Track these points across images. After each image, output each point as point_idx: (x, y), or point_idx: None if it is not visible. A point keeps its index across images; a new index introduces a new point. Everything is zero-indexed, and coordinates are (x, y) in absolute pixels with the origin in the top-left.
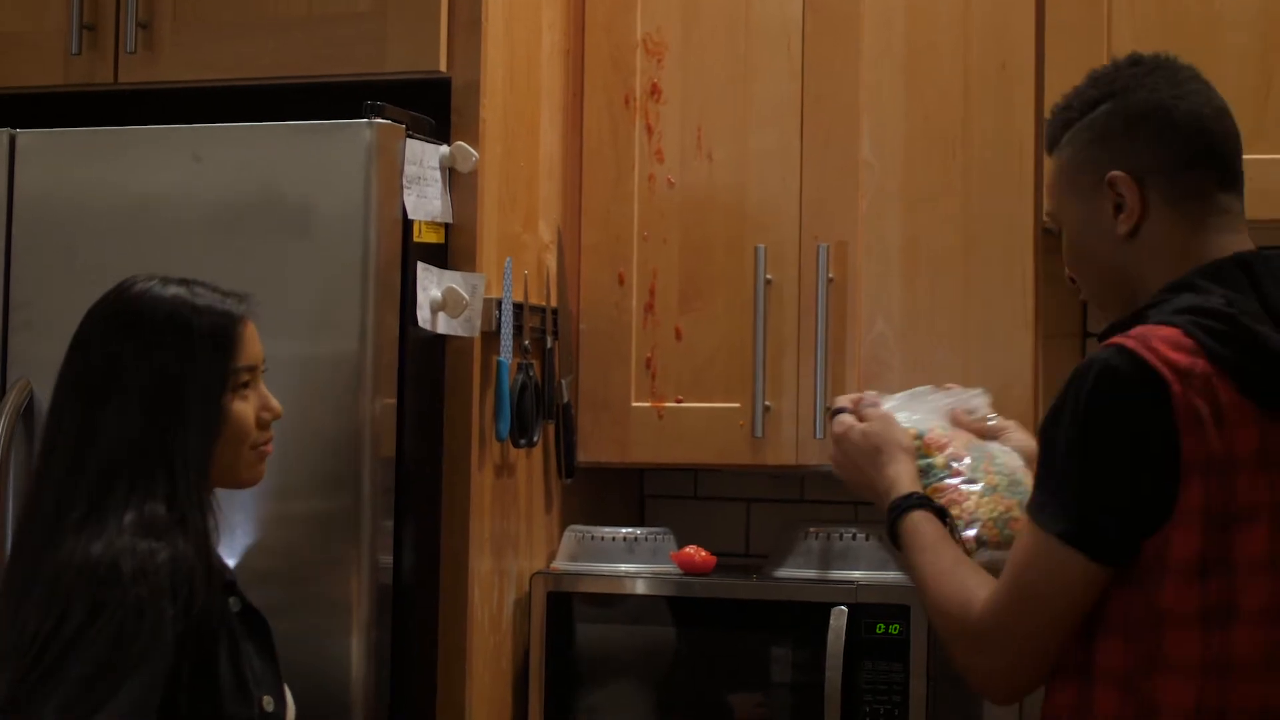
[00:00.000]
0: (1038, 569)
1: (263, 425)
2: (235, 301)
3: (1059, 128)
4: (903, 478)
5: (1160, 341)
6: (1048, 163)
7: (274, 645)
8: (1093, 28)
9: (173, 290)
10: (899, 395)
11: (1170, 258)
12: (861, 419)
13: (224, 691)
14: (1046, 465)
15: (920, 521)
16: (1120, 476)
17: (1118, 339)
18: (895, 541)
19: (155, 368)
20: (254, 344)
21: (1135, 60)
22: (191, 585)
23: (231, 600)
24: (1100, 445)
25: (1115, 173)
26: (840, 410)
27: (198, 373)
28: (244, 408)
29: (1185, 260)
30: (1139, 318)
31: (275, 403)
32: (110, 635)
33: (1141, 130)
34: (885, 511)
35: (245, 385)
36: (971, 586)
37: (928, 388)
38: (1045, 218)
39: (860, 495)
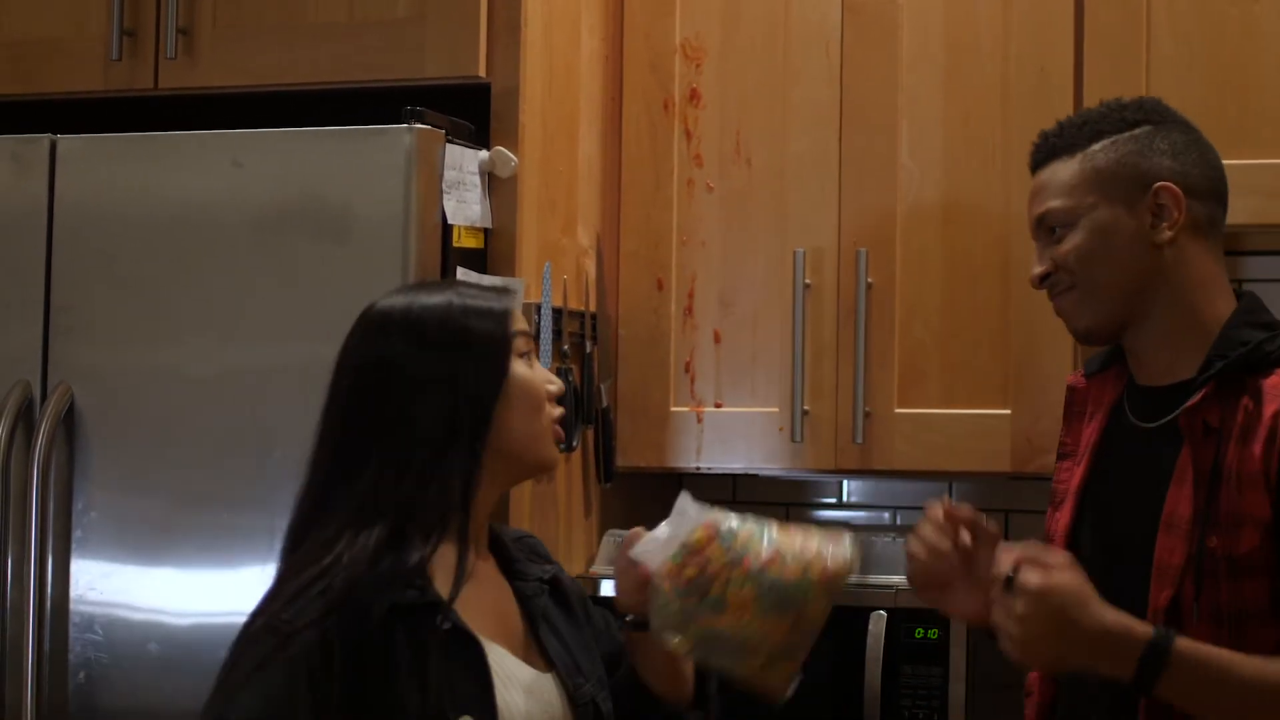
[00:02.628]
0: None
1: (550, 398)
2: (498, 294)
3: (1087, 136)
4: (1125, 618)
5: None
6: (1058, 166)
7: (485, 664)
8: (1132, 33)
9: (441, 294)
10: (662, 526)
11: (1201, 280)
12: (1038, 566)
13: (407, 709)
14: None
15: (1190, 645)
16: None
17: None
18: (1152, 686)
19: (432, 372)
20: (523, 320)
21: (1155, 100)
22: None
23: (439, 619)
24: None
25: (1165, 183)
26: (1010, 576)
27: (486, 332)
28: (529, 372)
29: (1213, 287)
30: (1261, 352)
31: (556, 379)
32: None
33: (1188, 155)
34: (1138, 658)
35: (525, 355)
36: None
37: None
38: (1041, 214)
39: (1061, 660)
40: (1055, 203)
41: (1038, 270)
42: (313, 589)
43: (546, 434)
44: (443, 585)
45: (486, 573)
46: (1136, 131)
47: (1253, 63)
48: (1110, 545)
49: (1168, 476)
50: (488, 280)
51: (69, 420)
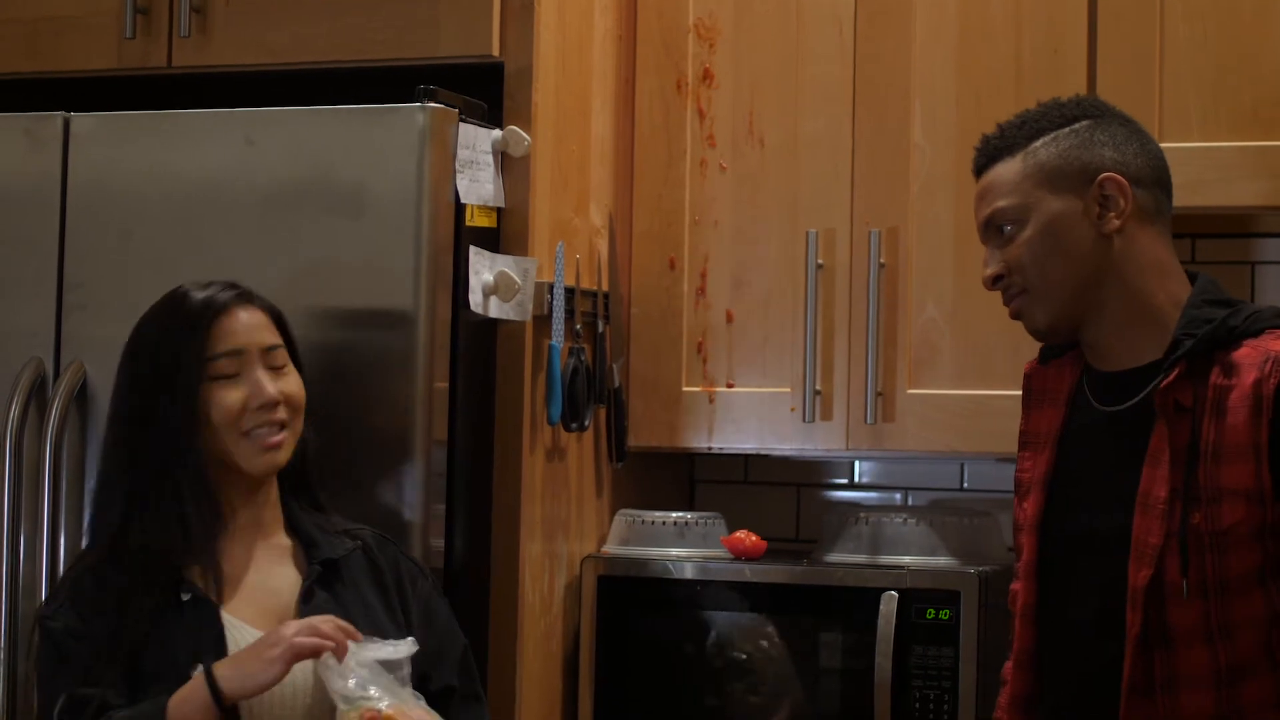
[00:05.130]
0: None
1: (254, 409)
2: (219, 289)
3: (1027, 135)
4: None
5: None
6: (1001, 167)
7: (221, 627)
8: (1145, 14)
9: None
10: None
11: (1152, 265)
12: None
13: (150, 667)
14: None
15: None
16: None
17: None
18: None
19: (148, 362)
20: (239, 332)
21: (1092, 97)
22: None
23: (183, 593)
24: None
25: (1110, 174)
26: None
27: (178, 365)
28: (224, 394)
29: (1165, 272)
30: (1226, 327)
31: (270, 388)
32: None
33: (1129, 146)
34: None
35: (227, 376)
36: None
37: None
38: (989, 215)
39: None
40: (1003, 202)
41: (989, 272)
42: (68, 579)
43: (243, 448)
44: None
45: (269, 556)
46: (1076, 126)
47: (1266, 45)
48: (1082, 532)
49: (1138, 459)
50: (503, 259)
51: (81, 398)
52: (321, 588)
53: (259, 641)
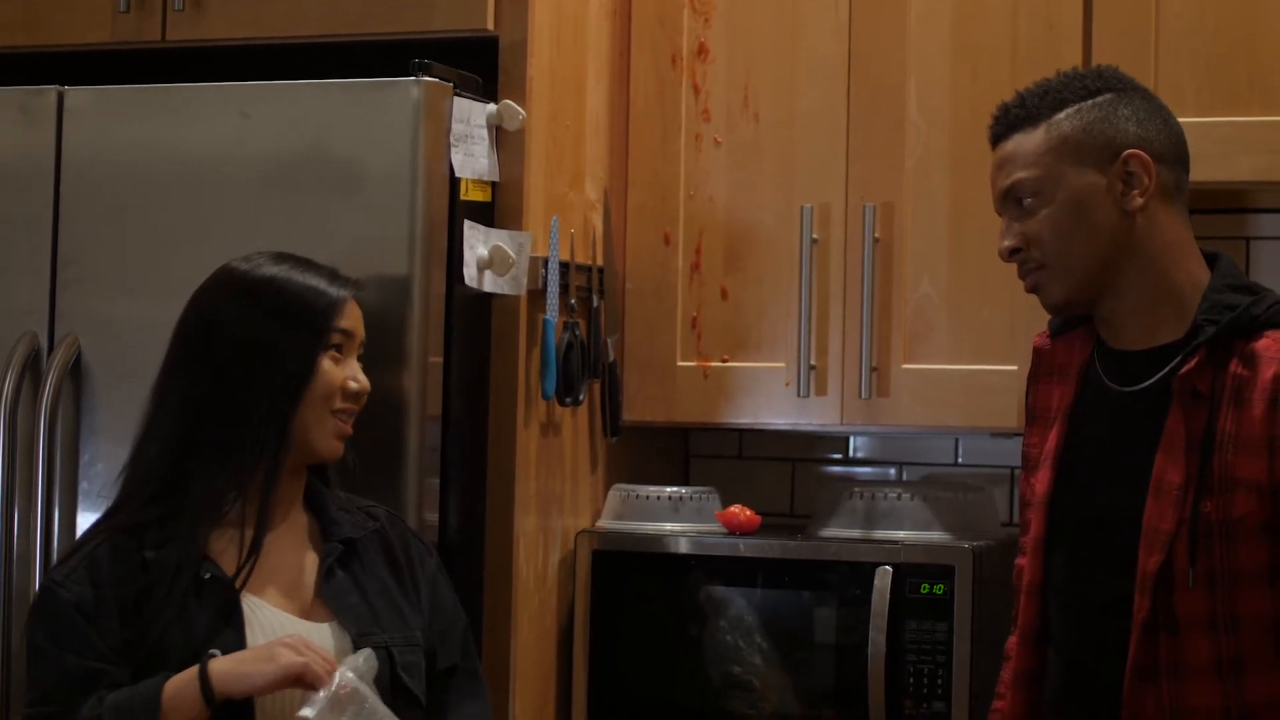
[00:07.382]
0: None
1: (348, 395)
2: (333, 280)
3: (1050, 106)
4: None
5: None
6: (1022, 137)
7: (240, 610)
8: None
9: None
10: None
11: (1172, 245)
12: None
13: (169, 649)
14: None
15: None
16: None
17: None
18: None
19: (246, 336)
20: (354, 316)
21: (1113, 69)
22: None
23: (204, 572)
24: None
25: (1134, 150)
26: None
27: (315, 305)
28: (332, 365)
29: (1184, 251)
30: (1249, 315)
31: (365, 380)
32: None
33: (1151, 122)
34: None
35: (337, 348)
36: None
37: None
38: (1008, 186)
39: None
40: (1024, 173)
41: (1006, 244)
42: (85, 548)
43: (325, 426)
44: (224, 543)
45: (289, 534)
46: (1099, 99)
47: (1262, 18)
48: (1094, 511)
49: (1153, 441)
50: (498, 234)
51: (76, 372)
52: (340, 567)
53: (273, 641)
